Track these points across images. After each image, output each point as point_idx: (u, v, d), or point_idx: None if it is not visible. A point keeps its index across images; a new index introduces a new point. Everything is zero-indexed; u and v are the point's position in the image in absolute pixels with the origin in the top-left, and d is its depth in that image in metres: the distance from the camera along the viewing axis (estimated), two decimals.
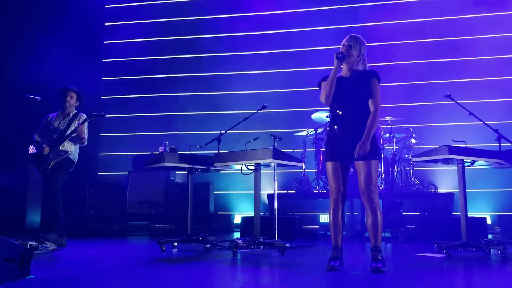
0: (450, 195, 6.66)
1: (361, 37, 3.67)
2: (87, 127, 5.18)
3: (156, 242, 5.09)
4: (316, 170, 7.07)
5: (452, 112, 6.39)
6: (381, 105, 3.59)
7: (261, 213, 4.76)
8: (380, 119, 4.80)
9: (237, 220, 7.94)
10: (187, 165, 4.98)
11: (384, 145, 6.75)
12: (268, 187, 7.35)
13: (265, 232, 4.84)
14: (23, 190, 7.34)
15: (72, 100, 5.28)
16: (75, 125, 5.09)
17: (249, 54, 8.80)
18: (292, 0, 8.86)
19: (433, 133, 7.51)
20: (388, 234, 6.07)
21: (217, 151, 4.99)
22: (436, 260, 4.08)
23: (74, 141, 5.17)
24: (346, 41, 3.64)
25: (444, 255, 4.23)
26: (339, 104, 3.62)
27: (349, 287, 3.06)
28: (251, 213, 6.09)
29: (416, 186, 6.80)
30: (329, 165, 3.59)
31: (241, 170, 4.75)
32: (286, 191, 7.47)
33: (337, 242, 3.55)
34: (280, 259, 4.24)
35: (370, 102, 3.56)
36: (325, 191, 6.89)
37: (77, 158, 5.26)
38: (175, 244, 5.02)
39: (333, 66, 3.53)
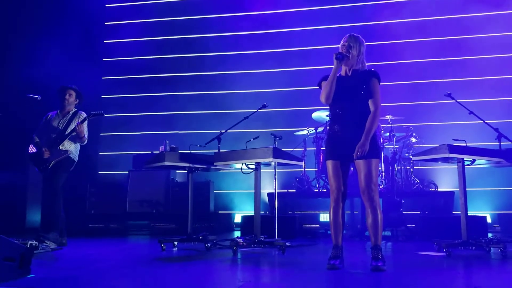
0: (450, 194, 6.65)
1: (360, 36, 3.67)
2: (86, 126, 5.16)
3: (156, 241, 5.10)
4: (317, 169, 7.07)
5: (452, 111, 6.39)
6: (381, 104, 3.59)
7: (261, 212, 4.77)
8: (380, 118, 4.80)
9: (238, 219, 7.94)
10: (187, 164, 4.98)
11: (384, 144, 6.75)
12: (269, 186, 7.35)
13: (265, 231, 4.84)
14: (23, 190, 7.33)
15: (71, 98, 5.27)
16: (75, 124, 5.07)
17: (250, 54, 8.79)
18: None
19: (433, 132, 7.50)
20: (388, 233, 6.08)
21: (217, 150, 4.99)
22: (436, 259, 4.08)
23: (74, 140, 5.15)
24: (346, 41, 3.63)
25: (444, 253, 4.23)
26: (339, 104, 3.61)
27: (350, 285, 3.07)
28: (251, 212, 6.09)
29: (416, 185, 6.80)
30: (330, 164, 3.59)
31: (241, 169, 4.75)
32: (286, 190, 7.47)
33: (337, 241, 3.55)
34: (281, 258, 4.24)
35: (370, 102, 3.56)
36: (325, 190, 6.90)
37: (77, 157, 5.25)
38: (176, 243, 5.02)
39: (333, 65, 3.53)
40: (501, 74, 7.80)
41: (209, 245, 4.80)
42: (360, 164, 3.50)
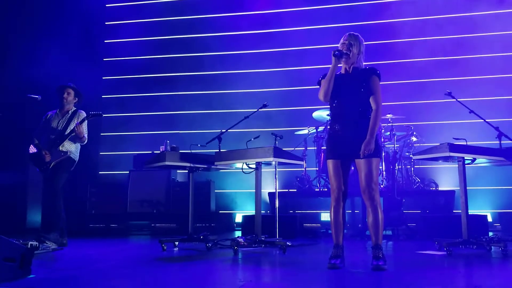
0: (451, 192, 6.65)
1: (360, 35, 3.67)
2: (86, 126, 5.14)
3: (157, 241, 5.09)
4: (317, 169, 7.08)
5: (452, 110, 6.38)
6: (382, 103, 3.58)
7: (262, 211, 4.77)
8: (381, 117, 4.79)
9: (238, 218, 7.94)
10: (188, 164, 4.98)
11: (385, 143, 6.76)
12: (269, 186, 7.34)
13: (266, 230, 4.85)
14: (23, 190, 7.34)
15: (69, 97, 5.24)
16: (74, 124, 5.05)
17: (250, 53, 8.79)
18: None
19: (433, 131, 7.50)
20: (389, 232, 6.07)
21: (218, 150, 4.98)
22: (437, 258, 4.07)
23: (74, 140, 5.13)
24: (346, 39, 3.63)
25: (445, 252, 4.23)
26: (339, 102, 3.61)
27: (351, 285, 3.06)
28: (252, 212, 6.09)
29: (417, 184, 6.80)
30: (330, 163, 3.59)
31: (242, 168, 4.75)
32: (287, 190, 7.47)
33: (338, 240, 3.55)
34: (281, 257, 4.24)
35: (371, 100, 3.56)
36: (326, 190, 6.90)
37: (78, 157, 5.23)
38: (176, 243, 5.02)
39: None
40: (502, 73, 7.79)
41: (210, 245, 4.79)
42: (361, 163, 3.49)
